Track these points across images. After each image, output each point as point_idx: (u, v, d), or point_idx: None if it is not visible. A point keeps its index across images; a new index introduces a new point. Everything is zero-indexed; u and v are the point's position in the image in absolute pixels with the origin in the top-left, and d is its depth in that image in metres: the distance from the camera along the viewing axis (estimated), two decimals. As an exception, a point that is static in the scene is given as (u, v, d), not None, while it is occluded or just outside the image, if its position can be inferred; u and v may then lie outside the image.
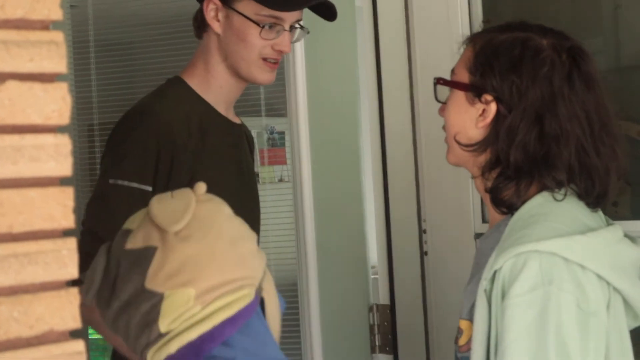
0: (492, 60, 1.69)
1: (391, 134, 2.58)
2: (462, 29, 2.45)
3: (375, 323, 2.62)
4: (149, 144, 2.01)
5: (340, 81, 2.82)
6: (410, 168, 2.54)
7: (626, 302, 1.63)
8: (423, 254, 2.52)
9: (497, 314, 1.58)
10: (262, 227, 2.35)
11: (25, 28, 0.93)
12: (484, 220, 2.45)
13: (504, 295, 1.57)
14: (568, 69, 1.67)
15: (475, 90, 1.70)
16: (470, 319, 1.67)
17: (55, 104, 0.94)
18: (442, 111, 1.80)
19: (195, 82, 2.15)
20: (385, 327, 2.60)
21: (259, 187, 2.39)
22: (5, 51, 0.91)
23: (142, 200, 1.94)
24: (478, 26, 2.47)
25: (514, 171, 1.65)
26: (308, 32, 2.20)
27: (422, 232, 2.52)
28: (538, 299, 1.53)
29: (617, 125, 1.73)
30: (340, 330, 2.75)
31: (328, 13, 2.17)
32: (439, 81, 1.80)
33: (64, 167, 0.94)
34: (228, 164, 2.17)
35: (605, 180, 1.68)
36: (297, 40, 2.21)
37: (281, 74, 2.79)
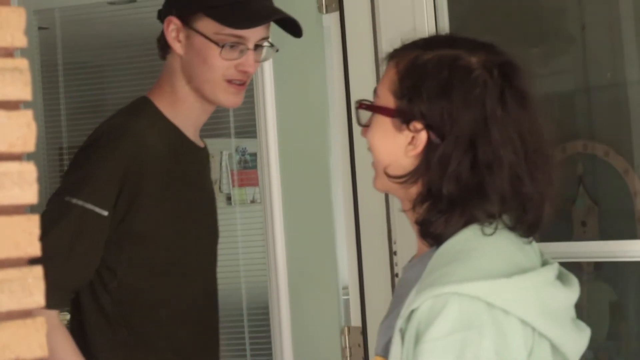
0: (419, 83, 1.54)
1: (361, 155, 2.58)
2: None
3: (347, 345, 2.61)
4: (116, 166, 1.95)
5: (310, 102, 2.82)
6: (381, 189, 2.54)
7: (555, 348, 1.51)
8: (394, 275, 2.51)
9: (409, 357, 1.45)
10: (233, 249, 2.35)
11: (-11, 55, 0.92)
12: (455, 241, 2.44)
13: (417, 337, 1.45)
14: (500, 88, 1.53)
15: (402, 117, 1.55)
16: (385, 355, 1.54)
17: (20, 130, 0.93)
18: (365, 133, 1.64)
19: (163, 105, 2.07)
20: (358, 349, 2.60)
21: (230, 208, 2.39)
22: (-31, 78, 0.91)
23: (96, 223, 1.93)
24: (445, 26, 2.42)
25: (446, 204, 1.52)
26: (277, 50, 2.10)
27: (392, 254, 2.52)
28: (456, 344, 1.42)
29: (551, 146, 1.59)
30: (312, 353, 2.74)
31: (293, 28, 2.06)
32: (361, 105, 1.64)
33: (29, 194, 0.93)
34: (195, 191, 2.13)
35: (539, 208, 1.55)
36: (266, 59, 2.11)
37: (250, 94, 2.78)
